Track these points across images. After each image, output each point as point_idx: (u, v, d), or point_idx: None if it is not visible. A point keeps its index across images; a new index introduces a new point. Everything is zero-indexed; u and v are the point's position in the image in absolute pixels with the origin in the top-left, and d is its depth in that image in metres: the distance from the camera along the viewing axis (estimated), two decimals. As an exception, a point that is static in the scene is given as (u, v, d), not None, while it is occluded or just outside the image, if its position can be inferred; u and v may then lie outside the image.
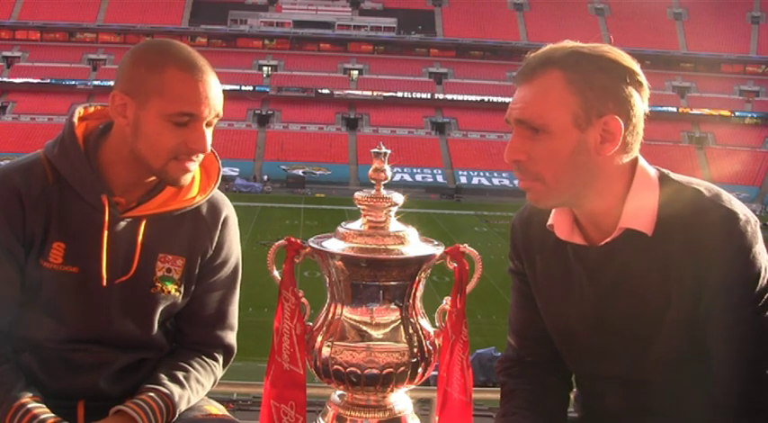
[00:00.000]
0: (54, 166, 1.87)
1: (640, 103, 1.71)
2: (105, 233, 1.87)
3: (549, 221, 1.83)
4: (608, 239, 1.76)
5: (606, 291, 1.79)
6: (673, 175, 1.78)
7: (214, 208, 2.02)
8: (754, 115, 61.60)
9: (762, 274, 1.67)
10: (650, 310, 1.74)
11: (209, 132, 1.86)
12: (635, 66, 1.71)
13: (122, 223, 1.90)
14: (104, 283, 1.88)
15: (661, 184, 1.75)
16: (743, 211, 1.69)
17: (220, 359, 2.08)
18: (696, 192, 1.72)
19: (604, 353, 1.83)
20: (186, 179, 1.89)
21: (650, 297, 1.74)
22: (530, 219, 1.90)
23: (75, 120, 1.91)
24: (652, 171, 1.78)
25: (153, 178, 1.92)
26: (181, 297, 1.99)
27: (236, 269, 2.07)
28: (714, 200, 1.70)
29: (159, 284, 1.95)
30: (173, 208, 1.93)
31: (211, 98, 1.83)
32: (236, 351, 2.11)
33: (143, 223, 1.91)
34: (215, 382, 2.07)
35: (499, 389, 2.00)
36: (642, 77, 1.72)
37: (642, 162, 1.77)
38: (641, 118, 1.72)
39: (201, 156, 1.88)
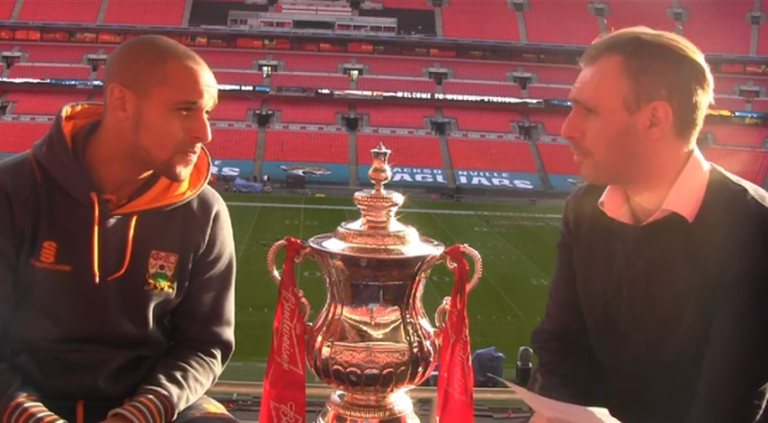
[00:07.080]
0: (42, 164, 1.88)
1: (699, 95, 1.75)
2: (96, 230, 1.87)
3: (601, 199, 1.88)
4: (650, 219, 1.80)
5: (639, 273, 1.82)
6: (725, 173, 1.82)
7: (205, 203, 2.02)
8: (754, 115, 61.57)
9: None
10: (674, 299, 1.76)
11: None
12: (697, 58, 1.76)
13: (113, 220, 1.90)
14: (96, 280, 1.88)
15: (711, 177, 1.79)
16: None
17: (218, 356, 2.07)
18: (742, 189, 1.76)
19: (627, 337, 1.85)
20: (186, 173, 1.91)
21: (676, 285, 1.76)
22: (584, 196, 1.97)
23: (63, 119, 1.92)
24: (706, 166, 1.81)
25: (144, 175, 1.92)
26: (174, 294, 1.99)
27: (230, 265, 2.08)
28: (757, 199, 1.73)
29: (152, 281, 1.95)
30: (163, 204, 1.94)
31: (211, 87, 1.89)
32: (234, 347, 2.11)
33: (134, 220, 1.92)
34: (214, 380, 2.07)
35: (499, 388, 2.00)
36: (705, 70, 1.76)
37: (698, 155, 1.81)
38: (699, 109, 1.76)
39: (200, 147, 1.92)
